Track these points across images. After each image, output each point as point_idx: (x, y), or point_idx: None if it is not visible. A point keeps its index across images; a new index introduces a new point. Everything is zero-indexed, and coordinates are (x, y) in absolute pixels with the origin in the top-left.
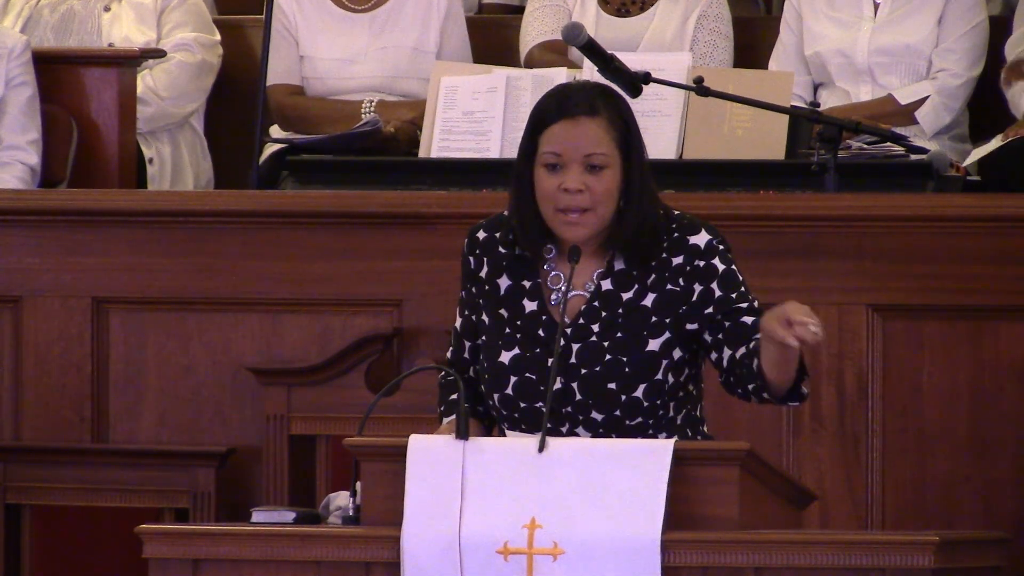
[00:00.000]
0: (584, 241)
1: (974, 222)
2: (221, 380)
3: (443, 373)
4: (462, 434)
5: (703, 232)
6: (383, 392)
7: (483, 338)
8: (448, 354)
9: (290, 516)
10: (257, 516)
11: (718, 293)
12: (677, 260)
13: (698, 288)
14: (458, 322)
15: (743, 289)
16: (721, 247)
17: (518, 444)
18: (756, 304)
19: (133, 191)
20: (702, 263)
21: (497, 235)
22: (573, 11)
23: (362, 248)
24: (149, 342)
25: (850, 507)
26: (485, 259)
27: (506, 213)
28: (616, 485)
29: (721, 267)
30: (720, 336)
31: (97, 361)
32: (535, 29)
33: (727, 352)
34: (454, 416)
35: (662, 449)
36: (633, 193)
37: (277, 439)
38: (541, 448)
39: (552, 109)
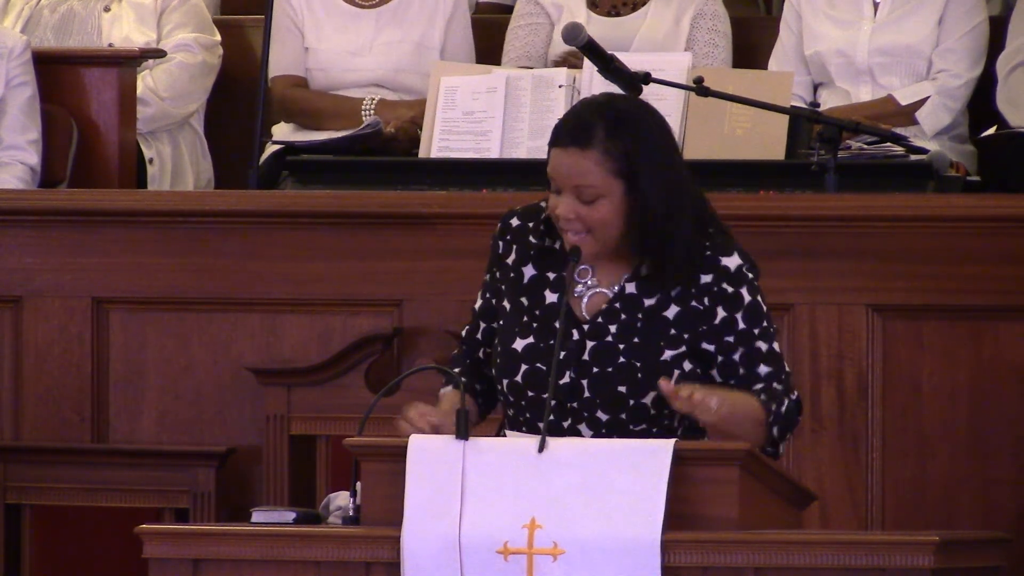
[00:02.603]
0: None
1: (974, 222)
2: (221, 380)
3: (454, 352)
4: (462, 434)
5: (735, 255)
6: (383, 392)
7: (500, 322)
8: (463, 331)
9: (290, 516)
10: (257, 516)
11: (741, 325)
12: (706, 279)
13: (721, 313)
14: (478, 303)
15: (765, 324)
16: (750, 275)
17: (518, 444)
18: (774, 345)
19: (133, 191)
20: (730, 288)
21: (530, 224)
22: (558, 21)
23: (362, 248)
24: (149, 342)
25: (850, 507)
26: (514, 246)
27: (543, 204)
28: (616, 485)
29: (748, 298)
30: (729, 377)
31: (97, 361)
32: (515, 49)
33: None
34: (450, 387)
35: (662, 449)
36: (654, 216)
37: (277, 439)
38: (541, 448)
39: (556, 131)
